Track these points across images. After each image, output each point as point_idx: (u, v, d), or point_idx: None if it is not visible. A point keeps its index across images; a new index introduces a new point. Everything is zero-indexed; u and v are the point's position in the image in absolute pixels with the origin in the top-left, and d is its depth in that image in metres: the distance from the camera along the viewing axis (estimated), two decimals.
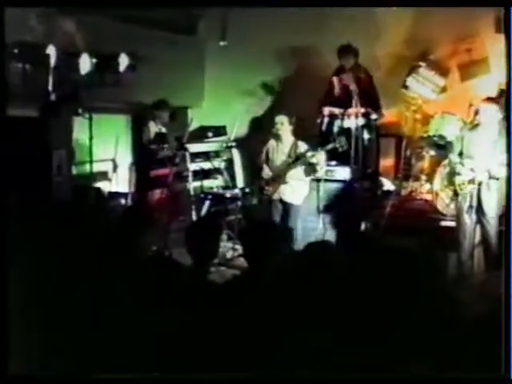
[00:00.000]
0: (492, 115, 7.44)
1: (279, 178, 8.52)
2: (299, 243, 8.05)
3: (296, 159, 8.47)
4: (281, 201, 8.56)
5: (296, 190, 8.52)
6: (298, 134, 8.68)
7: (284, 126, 8.51)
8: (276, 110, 9.89)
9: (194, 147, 10.22)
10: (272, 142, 8.66)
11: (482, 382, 3.17)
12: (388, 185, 9.80)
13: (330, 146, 8.60)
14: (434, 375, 3.11)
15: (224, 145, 10.74)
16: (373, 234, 8.47)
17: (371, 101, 9.56)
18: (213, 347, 3.40)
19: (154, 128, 9.86)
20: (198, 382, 3.34)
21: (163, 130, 9.97)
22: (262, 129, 10.28)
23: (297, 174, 8.48)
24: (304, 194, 8.63)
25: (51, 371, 3.35)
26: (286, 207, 8.58)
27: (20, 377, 3.41)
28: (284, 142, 8.56)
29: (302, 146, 8.50)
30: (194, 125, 10.38)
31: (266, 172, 8.63)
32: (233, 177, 11.26)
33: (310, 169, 8.54)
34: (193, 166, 10.03)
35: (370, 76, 9.74)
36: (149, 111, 9.96)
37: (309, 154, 8.40)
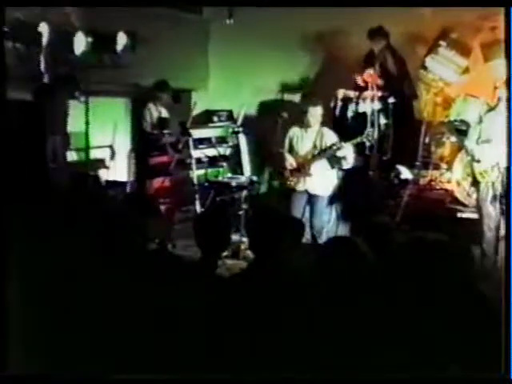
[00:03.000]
0: None
1: (304, 168, 8.51)
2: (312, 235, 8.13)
3: (323, 150, 8.47)
4: (306, 192, 8.57)
5: (322, 181, 8.49)
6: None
7: (315, 118, 8.49)
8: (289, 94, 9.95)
9: (198, 132, 10.20)
10: (295, 130, 8.63)
11: (482, 381, 3.30)
12: (406, 173, 9.76)
13: (357, 140, 8.62)
14: (434, 375, 3.24)
15: (230, 130, 10.71)
16: (389, 226, 8.45)
17: (405, 86, 9.63)
18: (219, 341, 3.51)
19: (155, 112, 9.83)
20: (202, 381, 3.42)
21: (165, 113, 9.94)
22: (271, 113, 10.27)
23: (323, 165, 8.45)
24: (331, 185, 8.59)
25: (51, 371, 3.42)
26: (313, 199, 8.57)
27: (19, 377, 3.49)
28: (309, 130, 8.53)
29: (328, 134, 8.48)
30: (197, 109, 10.36)
31: (291, 162, 8.63)
32: (239, 164, 11.28)
33: (336, 161, 8.50)
34: (196, 153, 9.96)
35: (403, 59, 9.75)
36: (149, 93, 9.94)
37: (335, 147, 8.37)
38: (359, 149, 8.89)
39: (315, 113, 8.42)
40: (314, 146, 8.45)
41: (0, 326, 3.65)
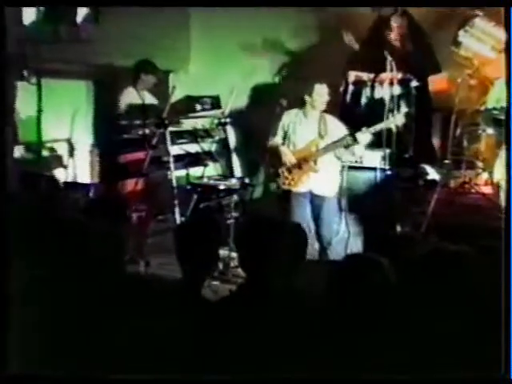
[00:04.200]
0: None
1: (306, 163, 8.41)
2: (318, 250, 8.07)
3: (335, 142, 8.45)
4: (310, 194, 8.60)
5: (331, 179, 8.44)
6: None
7: (323, 98, 8.40)
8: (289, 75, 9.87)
9: (177, 124, 10.10)
10: (291, 117, 8.56)
11: (482, 382, 3.68)
12: (432, 173, 9.73)
13: (379, 127, 8.56)
14: (435, 375, 3.56)
15: (216, 121, 10.58)
16: (412, 238, 8.42)
17: (427, 63, 9.60)
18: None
19: (129, 97, 9.71)
20: None
21: (150, 99, 9.84)
22: (266, 100, 10.24)
23: (331, 160, 8.39)
24: (337, 184, 8.54)
25: (51, 371, 3.73)
26: (319, 203, 8.51)
27: (19, 377, 3.84)
28: (309, 116, 8.45)
29: (332, 121, 8.42)
30: (176, 94, 10.24)
31: (289, 157, 8.50)
32: (228, 163, 11.17)
33: (345, 152, 8.44)
34: (175, 149, 9.85)
35: (422, 30, 9.72)
36: (130, 75, 9.80)
37: (350, 138, 8.30)
38: (375, 143, 8.85)
39: (322, 92, 8.38)
40: (320, 135, 8.42)
41: (0, 326, 3.92)
